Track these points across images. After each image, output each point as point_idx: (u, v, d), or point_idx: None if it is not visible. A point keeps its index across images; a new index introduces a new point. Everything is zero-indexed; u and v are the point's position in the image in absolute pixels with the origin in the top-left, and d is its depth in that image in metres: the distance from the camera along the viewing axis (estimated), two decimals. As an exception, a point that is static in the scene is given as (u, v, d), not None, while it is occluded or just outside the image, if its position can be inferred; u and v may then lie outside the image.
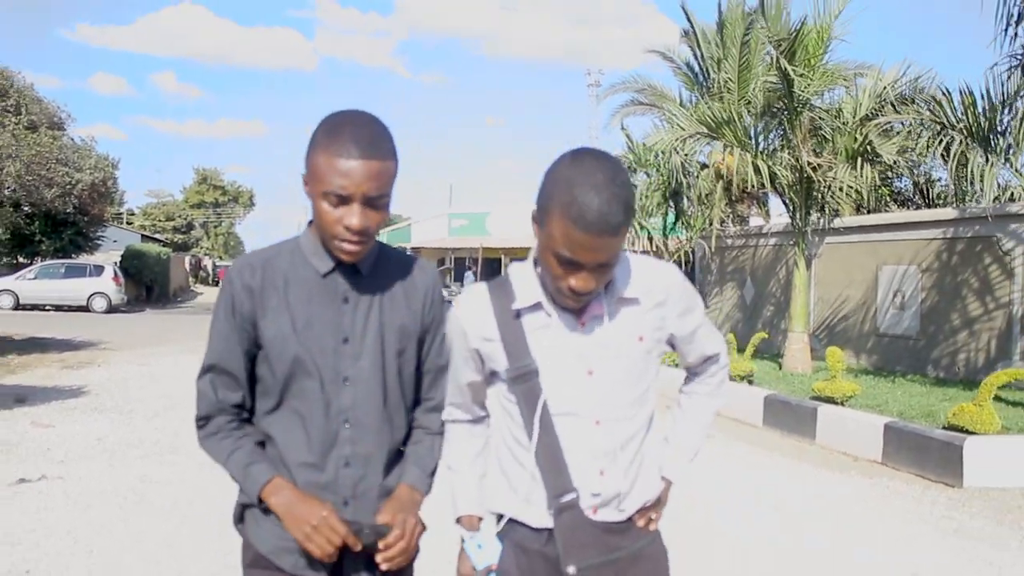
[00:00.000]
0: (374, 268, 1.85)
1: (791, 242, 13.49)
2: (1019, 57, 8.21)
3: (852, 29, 13.08)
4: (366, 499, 1.82)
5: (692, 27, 16.12)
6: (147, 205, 62.11)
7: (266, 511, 1.81)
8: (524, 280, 1.81)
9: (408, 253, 2.01)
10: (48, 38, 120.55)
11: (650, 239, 17.26)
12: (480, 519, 1.93)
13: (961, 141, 8.74)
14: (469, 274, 34.38)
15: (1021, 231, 10.33)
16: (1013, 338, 10.71)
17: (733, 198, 16.24)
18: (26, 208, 25.67)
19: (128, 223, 54.08)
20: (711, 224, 15.64)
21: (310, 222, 1.83)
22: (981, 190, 8.57)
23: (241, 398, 1.86)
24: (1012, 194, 14.32)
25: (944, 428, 7.23)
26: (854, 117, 11.66)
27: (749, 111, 13.26)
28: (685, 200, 16.35)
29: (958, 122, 8.78)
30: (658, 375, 1.88)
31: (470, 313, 1.84)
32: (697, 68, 17.66)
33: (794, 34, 11.45)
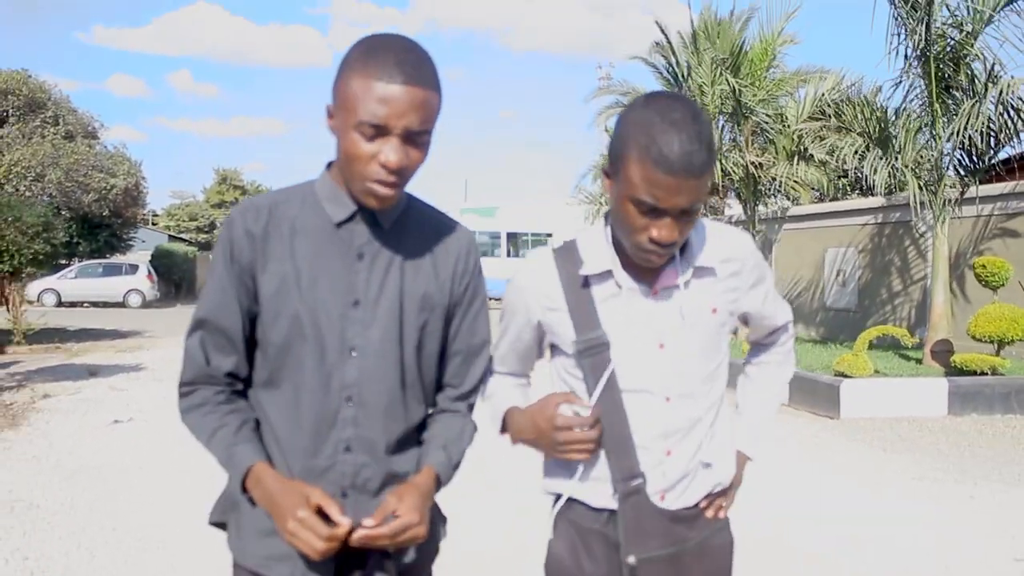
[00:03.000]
0: (398, 223, 1.59)
1: (751, 230, 15.33)
2: (899, 75, 9.98)
3: (804, 36, 14.85)
4: (366, 491, 1.56)
5: (667, 38, 17.81)
6: (170, 206, 64.30)
7: (253, 503, 1.53)
8: (593, 244, 1.65)
9: (444, 212, 1.73)
10: (65, 42, 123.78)
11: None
12: None
13: (863, 144, 10.55)
14: None
15: (929, 218, 12.11)
16: (927, 308, 12.52)
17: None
18: (65, 213, 27.73)
19: (154, 224, 56.41)
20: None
21: (328, 164, 1.60)
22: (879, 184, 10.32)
23: (235, 364, 1.60)
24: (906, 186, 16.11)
25: (833, 375, 9.09)
26: (797, 121, 13.47)
27: (722, 112, 15.05)
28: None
29: (860, 128, 10.58)
30: (728, 351, 1.76)
31: (533, 281, 1.68)
32: (675, 74, 19.35)
33: (738, 51, 13.31)
